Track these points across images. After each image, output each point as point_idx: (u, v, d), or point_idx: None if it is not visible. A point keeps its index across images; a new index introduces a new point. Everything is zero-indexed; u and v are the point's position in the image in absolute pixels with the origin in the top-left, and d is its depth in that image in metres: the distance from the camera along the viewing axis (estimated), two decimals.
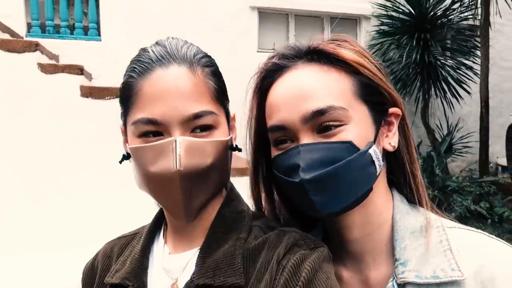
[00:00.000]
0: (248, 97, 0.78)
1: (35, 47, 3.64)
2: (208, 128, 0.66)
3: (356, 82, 0.70)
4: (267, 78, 0.75)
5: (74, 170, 3.39)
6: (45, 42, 4.28)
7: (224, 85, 0.73)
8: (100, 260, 0.79)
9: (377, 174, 0.70)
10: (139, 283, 0.69)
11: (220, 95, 0.70)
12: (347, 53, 0.71)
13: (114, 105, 3.84)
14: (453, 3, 5.39)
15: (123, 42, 5.06)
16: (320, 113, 0.67)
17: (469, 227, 0.71)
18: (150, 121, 0.64)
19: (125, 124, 0.70)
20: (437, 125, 6.25)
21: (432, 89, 5.69)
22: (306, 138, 0.68)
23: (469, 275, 0.63)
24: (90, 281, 0.78)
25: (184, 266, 0.69)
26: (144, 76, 0.65)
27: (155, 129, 0.64)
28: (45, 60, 3.81)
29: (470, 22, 5.53)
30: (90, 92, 3.71)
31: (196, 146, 0.64)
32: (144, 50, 0.69)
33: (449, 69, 5.64)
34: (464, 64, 5.73)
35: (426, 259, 0.67)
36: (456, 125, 6.15)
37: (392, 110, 0.73)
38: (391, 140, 0.73)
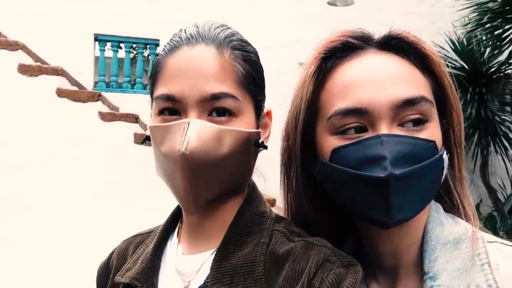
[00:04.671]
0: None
1: (98, 97, 3.96)
2: (226, 113, 0.61)
3: (428, 81, 0.65)
4: (332, 58, 0.66)
5: (127, 211, 3.50)
6: (108, 95, 4.67)
7: (259, 75, 0.68)
8: (115, 258, 0.76)
9: (441, 183, 0.64)
10: (148, 285, 0.65)
11: (248, 82, 0.65)
12: (429, 48, 0.66)
13: None
14: (510, 57, 5.22)
15: None
16: (411, 102, 0.60)
17: None
18: (168, 98, 0.61)
19: (152, 103, 0.69)
20: (499, 184, 5.80)
21: (491, 145, 5.37)
22: (386, 129, 0.59)
23: None
24: (104, 279, 0.75)
25: (198, 269, 0.64)
26: (170, 54, 0.64)
27: (172, 106, 0.62)
28: (106, 110, 4.13)
29: None
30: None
31: (211, 132, 0.59)
32: (179, 31, 0.68)
33: (509, 124, 5.34)
34: None
35: (461, 273, 0.59)
36: None
37: (452, 122, 0.67)
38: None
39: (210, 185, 0.61)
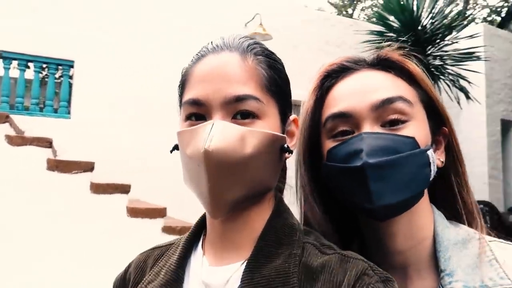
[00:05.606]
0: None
1: (5, 119, 3.61)
2: (250, 116, 0.62)
3: (418, 92, 0.74)
4: (330, 78, 0.77)
5: (36, 242, 3.16)
6: (12, 117, 4.25)
7: (283, 81, 0.69)
8: (133, 272, 0.73)
9: (430, 178, 0.70)
10: None
11: (272, 86, 0.65)
12: (413, 66, 0.74)
13: (80, 179, 3.75)
14: None
15: (92, 119, 5.12)
16: (389, 101, 0.68)
17: (508, 242, 0.72)
18: (194, 102, 0.63)
19: (180, 112, 0.69)
20: None
21: None
22: (368, 129, 0.68)
23: None
24: None
25: (227, 281, 0.62)
26: (197, 63, 0.66)
27: (197, 111, 0.63)
28: (13, 133, 3.76)
29: None
30: (57, 166, 3.63)
31: (235, 132, 0.59)
32: (207, 43, 0.70)
33: None
34: None
35: (472, 269, 0.67)
36: None
37: (445, 129, 0.75)
38: (440, 156, 0.75)
39: (234, 185, 0.60)
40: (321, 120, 0.75)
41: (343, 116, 0.71)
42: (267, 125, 0.63)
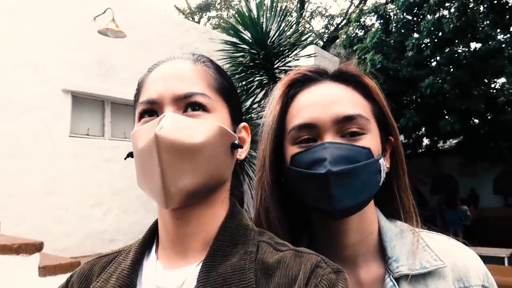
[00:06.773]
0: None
1: None
2: (199, 108, 0.65)
3: (372, 105, 0.82)
4: (294, 87, 0.83)
5: None
6: None
7: (232, 87, 0.74)
8: (76, 281, 0.69)
9: (380, 183, 0.78)
10: None
11: (221, 88, 0.70)
12: (370, 81, 0.83)
13: None
14: (252, 104, 6.37)
15: None
16: (349, 118, 0.76)
17: (432, 231, 0.85)
18: (148, 102, 0.66)
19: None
20: None
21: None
22: (330, 139, 0.75)
23: (448, 266, 0.76)
24: None
25: (182, 283, 0.62)
26: (151, 71, 0.71)
27: (150, 108, 0.66)
28: None
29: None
30: None
31: (185, 121, 0.62)
32: None
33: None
34: None
35: (412, 255, 0.77)
36: None
37: (392, 138, 0.85)
38: (386, 162, 0.83)
39: (184, 172, 0.60)
40: (284, 126, 0.80)
41: (307, 127, 0.77)
42: (217, 119, 0.66)
